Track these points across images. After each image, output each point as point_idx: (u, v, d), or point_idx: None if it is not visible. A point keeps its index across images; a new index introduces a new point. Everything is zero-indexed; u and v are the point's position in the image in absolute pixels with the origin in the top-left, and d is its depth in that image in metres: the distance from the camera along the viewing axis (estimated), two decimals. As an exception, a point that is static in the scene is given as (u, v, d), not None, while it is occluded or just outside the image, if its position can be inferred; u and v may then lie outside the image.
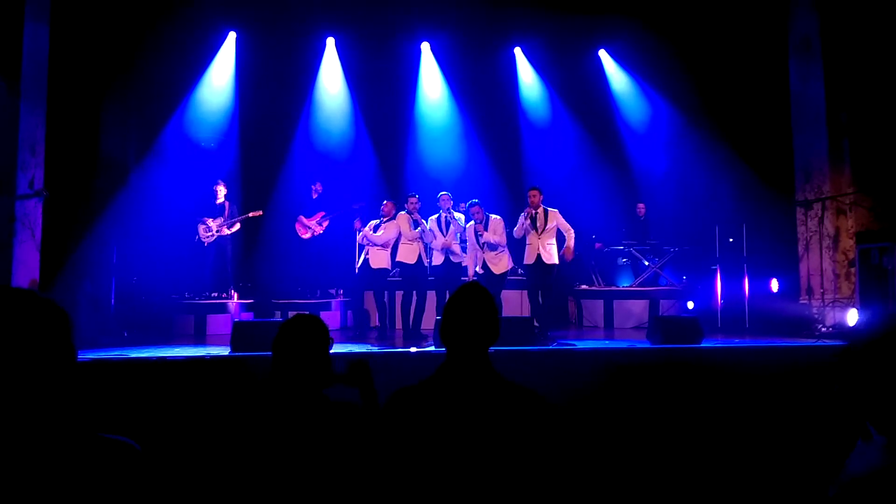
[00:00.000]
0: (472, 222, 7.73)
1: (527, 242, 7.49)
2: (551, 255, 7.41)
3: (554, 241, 7.46)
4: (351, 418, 2.21)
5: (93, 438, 1.32)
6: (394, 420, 2.03)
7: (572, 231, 7.51)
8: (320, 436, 2.15)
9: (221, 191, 9.20)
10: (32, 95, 7.27)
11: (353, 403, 2.26)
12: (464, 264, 7.88)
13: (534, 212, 7.43)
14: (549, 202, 7.77)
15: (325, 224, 9.65)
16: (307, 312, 8.96)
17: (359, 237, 8.28)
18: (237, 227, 9.19)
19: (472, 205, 7.75)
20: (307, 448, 2.12)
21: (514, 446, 1.94)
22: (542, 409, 2.01)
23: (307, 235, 9.62)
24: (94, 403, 4.55)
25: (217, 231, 9.04)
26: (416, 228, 7.84)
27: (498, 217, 7.80)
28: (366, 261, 7.95)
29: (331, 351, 2.37)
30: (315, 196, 9.78)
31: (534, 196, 7.47)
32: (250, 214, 9.21)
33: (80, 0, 7.98)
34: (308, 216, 9.65)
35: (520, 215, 7.56)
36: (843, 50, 8.11)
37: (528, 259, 7.48)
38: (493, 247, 7.62)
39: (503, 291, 8.01)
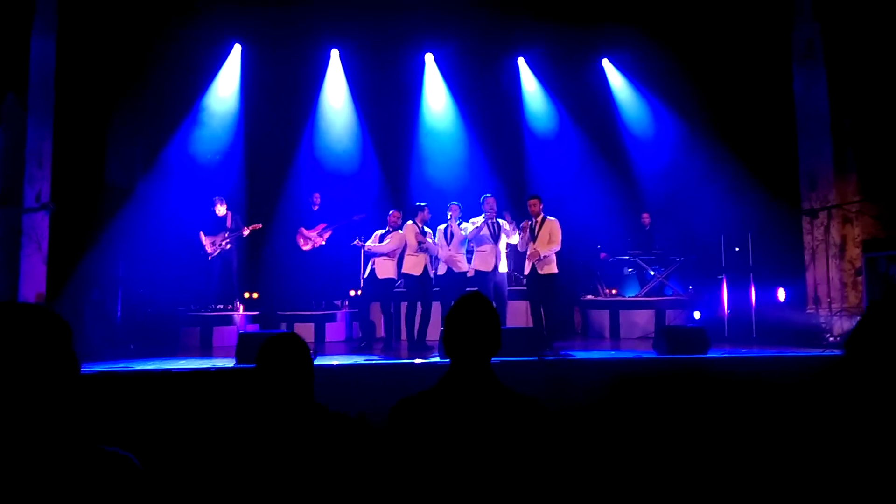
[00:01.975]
0: (483, 216, 7.75)
1: (526, 253, 7.51)
2: (549, 266, 7.41)
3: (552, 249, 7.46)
4: (347, 430, 2.22)
5: (92, 450, 1.33)
6: (397, 430, 2.03)
7: (557, 247, 7.42)
8: (316, 447, 2.15)
9: (221, 207, 9.23)
10: (40, 109, 7.33)
11: (348, 416, 2.27)
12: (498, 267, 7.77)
13: (532, 221, 7.44)
14: (553, 212, 7.77)
15: (327, 235, 9.65)
16: (313, 325, 8.87)
17: (364, 248, 8.28)
18: (246, 233, 9.18)
19: (486, 197, 7.77)
20: (305, 460, 2.13)
21: (517, 455, 1.93)
22: (545, 418, 2.00)
23: (308, 247, 9.62)
24: (100, 415, 4.55)
25: (221, 244, 9.06)
26: (424, 237, 7.84)
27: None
28: (372, 271, 7.95)
29: (315, 362, 2.37)
30: (315, 208, 9.79)
31: (533, 205, 7.48)
32: (251, 227, 9.21)
33: (86, 14, 8.04)
34: (309, 228, 9.66)
35: (519, 227, 7.60)
36: (846, 58, 8.10)
37: (525, 269, 7.50)
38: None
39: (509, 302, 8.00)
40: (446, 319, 2.15)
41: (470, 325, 2.09)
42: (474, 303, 2.15)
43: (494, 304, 6.73)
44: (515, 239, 7.61)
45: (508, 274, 8.05)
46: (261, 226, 9.38)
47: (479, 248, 7.74)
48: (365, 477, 2.09)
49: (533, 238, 7.42)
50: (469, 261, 7.96)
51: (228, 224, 9.19)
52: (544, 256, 7.34)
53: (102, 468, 1.32)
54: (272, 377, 2.26)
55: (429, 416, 2.01)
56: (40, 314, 1.36)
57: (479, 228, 7.70)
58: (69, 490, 1.27)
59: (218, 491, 2.17)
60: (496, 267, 7.64)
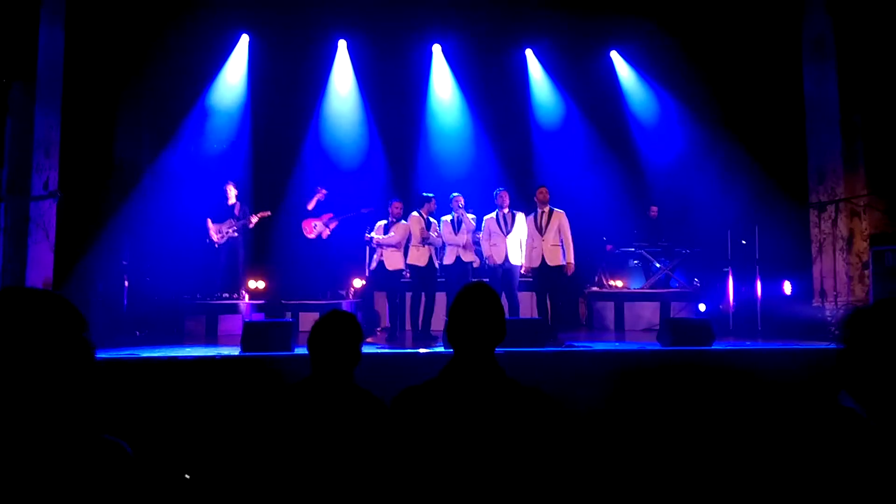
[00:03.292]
0: (496, 212, 7.78)
1: (532, 245, 7.50)
2: (556, 257, 7.41)
3: (559, 242, 7.46)
4: (378, 413, 2.25)
5: (84, 438, 1.33)
6: (401, 419, 2.04)
7: (571, 243, 7.46)
8: (353, 427, 2.20)
9: (232, 191, 9.26)
10: (47, 98, 7.35)
11: (379, 399, 2.31)
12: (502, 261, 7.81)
13: (539, 212, 7.46)
14: (560, 203, 7.77)
15: (333, 226, 9.65)
16: (318, 314, 8.89)
17: (368, 238, 8.28)
18: (254, 221, 9.21)
19: (500, 191, 7.81)
20: (339, 439, 2.17)
21: (520, 445, 1.94)
22: (548, 408, 2.01)
23: (313, 235, 9.63)
24: (105, 402, 4.58)
25: (227, 232, 9.08)
26: (428, 230, 7.85)
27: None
28: (381, 262, 7.96)
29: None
30: (321, 199, 9.80)
31: (542, 193, 7.49)
32: (259, 215, 9.24)
33: (95, 3, 8.06)
34: (315, 216, 9.67)
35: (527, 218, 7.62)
36: (856, 52, 8.05)
37: (533, 262, 7.49)
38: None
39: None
40: (450, 309, 2.15)
41: (473, 314, 2.08)
42: (477, 292, 2.15)
43: (505, 294, 6.76)
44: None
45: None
46: (269, 213, 9.40)
47: (492, 242, 7.74)
48: (382, 460, 2.12)
49: (540, 231, 7.43)
50: (479, 253, 8.01)
51: (236, 212, 9.21)
52: (567, 263, 7.41)
53: (92, 455, 1.32)
54: (324, 353, 2.32)
55: (432, 406, 2.01)
56: (54, 301, 1.36)
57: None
58: (59, 477, 1.28)
59: (227, 473, 2.20)
60: (506, 258, 7.65)
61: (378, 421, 2.23)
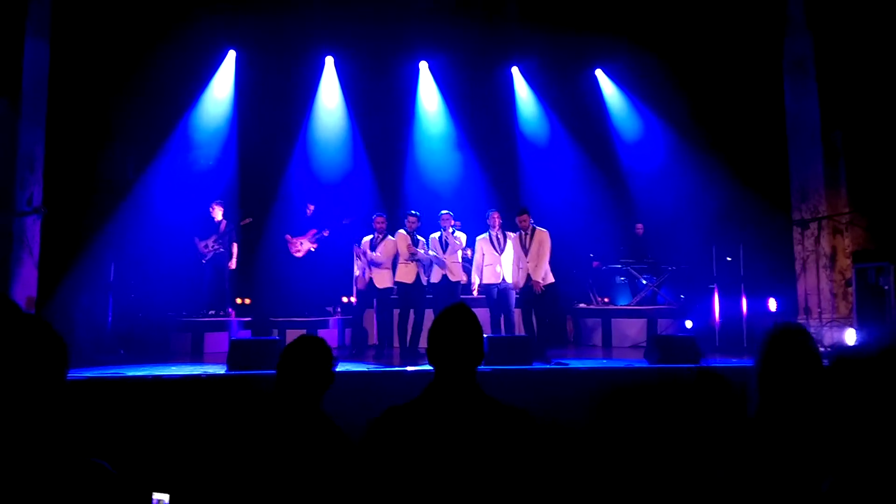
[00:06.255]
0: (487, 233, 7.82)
1: (518, 266, 7.50)
2: (546, 277, 7.42)
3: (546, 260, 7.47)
4: (339, 440, 2.24)
5: (66, 460, 1.32)
6: (382, 439, 2.03)
7: (545, 261, 7.42)
8: (316, 452, 2.17)
9: (218, 211, 9.22)
10: (32, 112, 7.30)
11: (339, 428, 2.29)
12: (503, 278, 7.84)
13: (522, 233, 7.47)
14: (546, 220, 7.79)
15: (326, 233, 9.62)
16: (305, 331, 8.89)
17: (357, 256, 8.25)
18: (235, 249, 9.24)
19: (491, 213, 7.85)
20: (301, 462, 2.15)
21: (503, 465, 1.93)
22: (530, 428, 2.01)
23: (301, 254, 9.59)
24: (89, 421, 4.52)
25: (213, 248, 9.04)
26: (416, 246, 7.86)
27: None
28: (370, 280, 7.96)
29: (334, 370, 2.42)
30: (309, 213, 9.79)
31: (523, 221, 7.49)
32: (242, 223, 9.28)
33: (80, 18, 8.03)
34: (297, 234, 9.63)
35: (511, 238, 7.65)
36: (837, 70, 8.18)
37: (520, 281, 7.49)
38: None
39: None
40: (431, 329, 2.15)
41: (454, 334, 2.09)
42: (458, 313, 2.15)
43: (503, 314, 6.80)
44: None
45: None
46: (251, 220, 9.41)
47: (486, 262, 7.75)
48: (350, 488, 2.11)
49: (525, 251, 7.44)
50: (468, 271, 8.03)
51: (222, 229, 9.18)
52: (542, 279, 7.37)
53: (77, 477, 1.30)
54: (291, 378, 2.29)
55: (414, 425, 2.00)
56: (39, 327, 1.35)
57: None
58: (41, 499, 1.26)
59: (211, 491, 2.18)
60: (502, 278, 7.66)
61: (336, 450, 2.22)
